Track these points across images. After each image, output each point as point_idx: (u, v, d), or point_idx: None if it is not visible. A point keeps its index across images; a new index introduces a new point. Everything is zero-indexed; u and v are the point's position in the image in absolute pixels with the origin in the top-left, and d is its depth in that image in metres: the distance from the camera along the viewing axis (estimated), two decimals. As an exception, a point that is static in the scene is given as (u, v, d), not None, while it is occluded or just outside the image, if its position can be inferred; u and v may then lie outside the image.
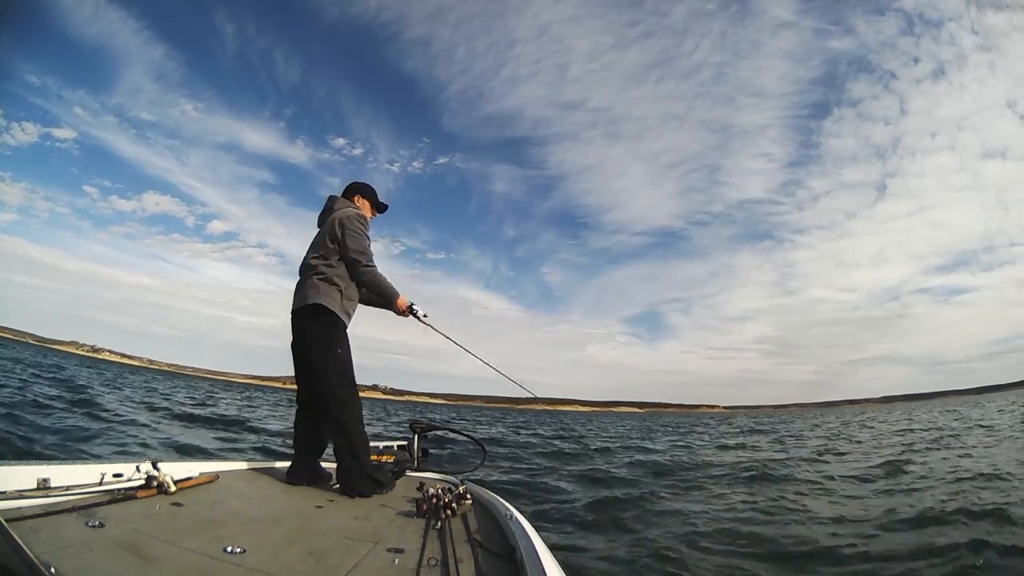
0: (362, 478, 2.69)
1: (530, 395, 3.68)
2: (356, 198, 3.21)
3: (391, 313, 3.19)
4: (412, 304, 3.13)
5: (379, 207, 3.34)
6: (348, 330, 2.95)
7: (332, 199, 3.14)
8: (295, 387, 3.01)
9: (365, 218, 3.05)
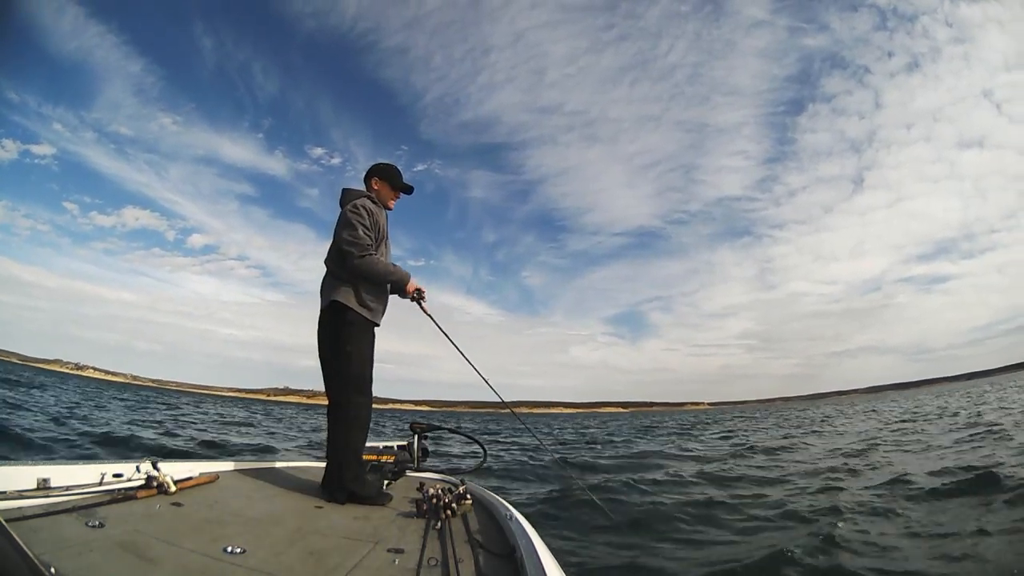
0: (340, 491, 2.51)
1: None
2: (373, 181, 2.95)
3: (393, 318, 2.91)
4: (418, 291, 2.85)
5: (401, 188, 3.00)
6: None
7: (344, 192, 2.89)
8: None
9: (366, 205, 2.76)
